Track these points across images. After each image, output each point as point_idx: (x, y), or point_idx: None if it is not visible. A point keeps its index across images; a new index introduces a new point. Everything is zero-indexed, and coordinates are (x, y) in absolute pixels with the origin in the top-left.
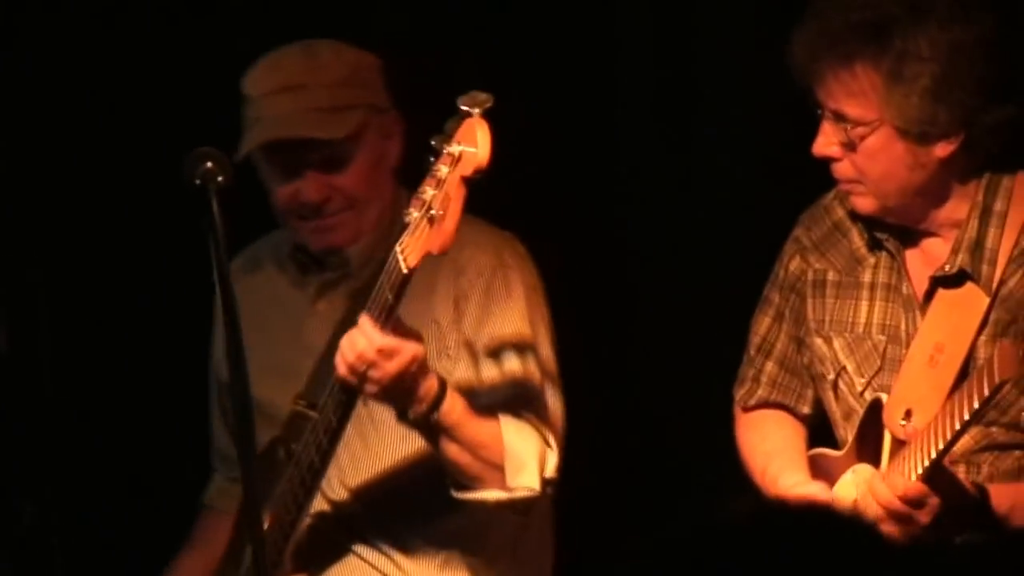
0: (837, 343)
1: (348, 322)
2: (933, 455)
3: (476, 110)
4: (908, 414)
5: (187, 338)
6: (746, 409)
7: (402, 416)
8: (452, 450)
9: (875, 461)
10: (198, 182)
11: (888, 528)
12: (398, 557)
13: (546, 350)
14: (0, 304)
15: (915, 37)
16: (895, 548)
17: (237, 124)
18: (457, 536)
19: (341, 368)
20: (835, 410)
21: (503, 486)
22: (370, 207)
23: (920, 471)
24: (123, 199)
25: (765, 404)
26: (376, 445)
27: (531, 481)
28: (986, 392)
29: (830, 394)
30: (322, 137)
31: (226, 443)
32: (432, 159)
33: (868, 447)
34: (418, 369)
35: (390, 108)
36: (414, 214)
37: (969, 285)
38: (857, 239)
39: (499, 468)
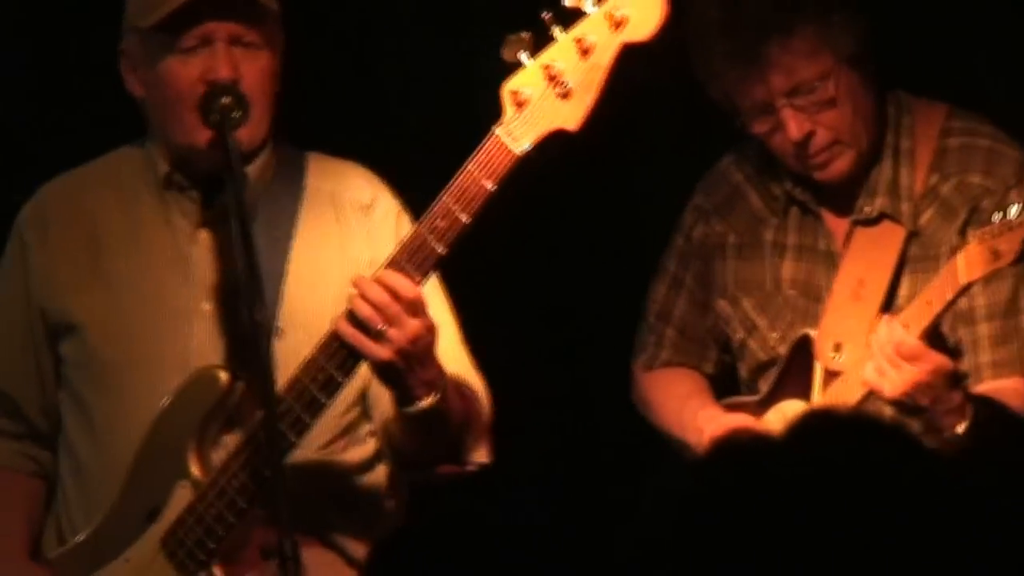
0: (746, 303)
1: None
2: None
3: None
4: (838, 347)
5: None
6: (648, 371)
7: (406, 403)
8: (433, 439)
9: (802, 398)
10: (216, 117)
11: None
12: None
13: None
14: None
15: None
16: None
17: None
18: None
19: (343, 326)
20: (742, 370)
21: (456, 460)
22: (264, 117)
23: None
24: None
25: (668, 365)
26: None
27: (484, 456)
28: (951, 296)
29: (737, 354)
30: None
31: (31, 392)
32: (549, 23)
33: (792, 388)
34: (434, 340)
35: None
36: (527, 91)
37: (885, 223)
38: (757, 201)
39: (457, 444)
